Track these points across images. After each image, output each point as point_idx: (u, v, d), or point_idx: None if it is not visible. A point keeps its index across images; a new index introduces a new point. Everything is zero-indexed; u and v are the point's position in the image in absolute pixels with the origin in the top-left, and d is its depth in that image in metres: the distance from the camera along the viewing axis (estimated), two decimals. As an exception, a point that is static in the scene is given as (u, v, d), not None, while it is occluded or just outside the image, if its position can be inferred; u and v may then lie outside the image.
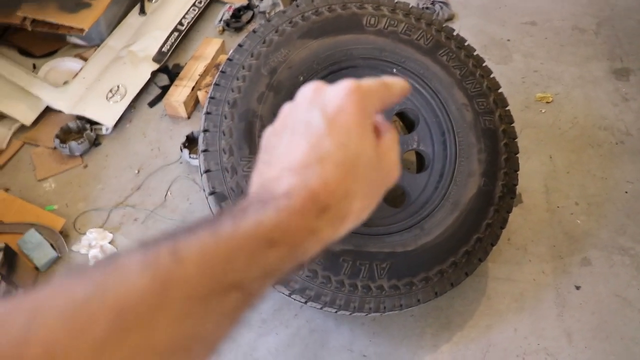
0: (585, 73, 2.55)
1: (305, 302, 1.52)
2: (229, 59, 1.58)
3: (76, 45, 2.76)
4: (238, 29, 2.86)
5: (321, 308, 1.52)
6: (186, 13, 2.81)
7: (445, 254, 1.55)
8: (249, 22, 2.91)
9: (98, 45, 2.69)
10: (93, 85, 2.48)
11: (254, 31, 1.61)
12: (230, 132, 1.50)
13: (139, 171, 2.27)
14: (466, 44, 1.75)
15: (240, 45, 1.59)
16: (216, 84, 1.55)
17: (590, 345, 1.72)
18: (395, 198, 1.73)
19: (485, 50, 2.68)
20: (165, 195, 2.18)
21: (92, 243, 2.04)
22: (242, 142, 1.49)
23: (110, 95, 2.46)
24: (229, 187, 1.48)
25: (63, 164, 2.33)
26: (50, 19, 2.38)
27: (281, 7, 2.80)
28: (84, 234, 2.07)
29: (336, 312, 1.53)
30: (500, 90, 1.75)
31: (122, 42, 2.68)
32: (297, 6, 1.65)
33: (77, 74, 2.52)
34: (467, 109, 1.67)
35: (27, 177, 2.29)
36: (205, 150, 1.52)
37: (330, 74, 1.63)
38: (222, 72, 1.56)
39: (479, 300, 1.81)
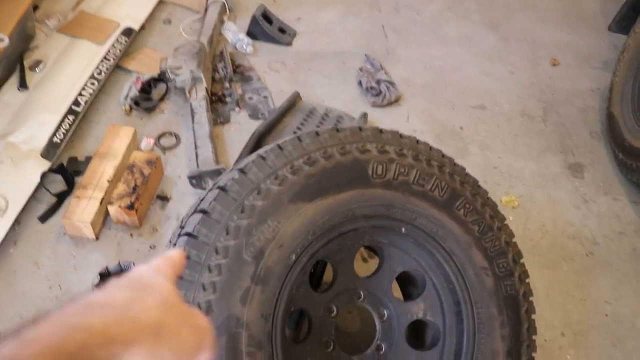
0: (544, 169, 2.42)
1: None
2: (190, 235, 1.10)
3: None
4: (149, 109, 2.29)
5: None
6: (83, 88, 2.20)
7: None
8: (161, 99, 2.36)
9: (-43, 130, 2.00)
10: (-48, 196, 1.80)
11: (223, 189, 1.15)
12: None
13: (28, 324, 1.66)
14: (478, 185, 1.45)
15: (205, 212, 1.12)
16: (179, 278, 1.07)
17: None
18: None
19: (440, 141, 2.44)
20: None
21: None
22: (222, 368, 1.03)
23: (-20, 210, 1.80)
24: None
25: None
26: None
27: (204, 85, 2.31)
28: None
29: None
30: (514, 240, 1.47)
31: (-5, 128, 2.02)
32: (281, 149, 1.22)
33: None
34: (487, 273, 1.36)
35: None
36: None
37: (328, 243, 1.22)
38: (187, 257, 1.08)
39: None
